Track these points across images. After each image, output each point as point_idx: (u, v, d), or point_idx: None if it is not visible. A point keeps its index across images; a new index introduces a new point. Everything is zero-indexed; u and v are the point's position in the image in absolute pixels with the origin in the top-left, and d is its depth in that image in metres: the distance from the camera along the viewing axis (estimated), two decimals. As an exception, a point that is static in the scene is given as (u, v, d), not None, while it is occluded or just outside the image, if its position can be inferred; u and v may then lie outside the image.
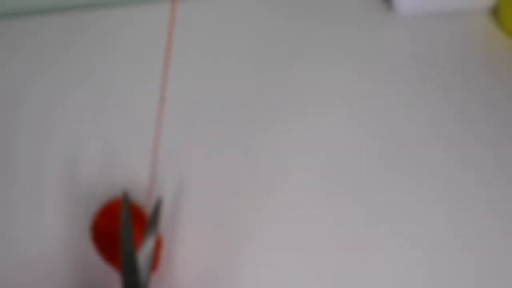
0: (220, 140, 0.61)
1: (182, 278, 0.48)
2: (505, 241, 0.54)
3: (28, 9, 0.79)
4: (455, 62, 0.72)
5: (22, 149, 0.59)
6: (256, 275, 0.49)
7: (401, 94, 0.68)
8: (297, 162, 0.60)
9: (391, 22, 0.77)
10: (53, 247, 0.50)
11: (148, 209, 0.52)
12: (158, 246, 0.43)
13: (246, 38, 0.74)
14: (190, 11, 0.78)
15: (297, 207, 0.56)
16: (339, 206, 0.56)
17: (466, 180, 0.60)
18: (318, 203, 0.56)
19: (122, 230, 0.38)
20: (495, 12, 0.79)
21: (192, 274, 0.48)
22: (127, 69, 0.69)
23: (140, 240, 0.42)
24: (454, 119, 0.66)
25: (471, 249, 0.53)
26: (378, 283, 0.50)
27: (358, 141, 0.62)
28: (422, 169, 0.61)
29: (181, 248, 0.51)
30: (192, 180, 0.56)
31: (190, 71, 0.69)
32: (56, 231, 0.51)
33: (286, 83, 0.69)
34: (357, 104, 0.67)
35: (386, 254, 0.53)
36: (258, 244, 0.52)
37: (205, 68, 0.69)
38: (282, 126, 0.64)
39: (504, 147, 0.63)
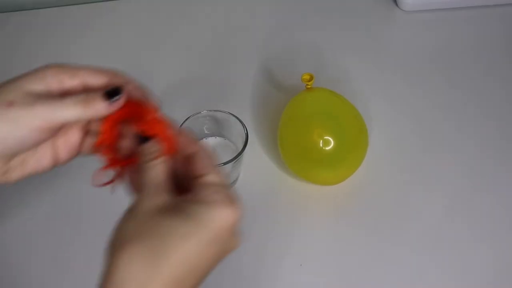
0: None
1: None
2: None
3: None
4: (467, 55, 0.73)
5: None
6: None
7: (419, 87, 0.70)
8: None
9: (399, 17, 0.78)
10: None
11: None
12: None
13: (261, 30, 0.76)
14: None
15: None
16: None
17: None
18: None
19: None
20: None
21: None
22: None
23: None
24: (467, 110, 0.68)
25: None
26: None
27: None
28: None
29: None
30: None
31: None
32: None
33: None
34: (370, 98, 0.68)
35: None
36: None
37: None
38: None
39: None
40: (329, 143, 0.55)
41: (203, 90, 0.69)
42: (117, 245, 0.32)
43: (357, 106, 0.60)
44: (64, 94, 0.38)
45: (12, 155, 0.37)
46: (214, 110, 0.60)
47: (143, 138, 0.36)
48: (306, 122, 0.57)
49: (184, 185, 0.35)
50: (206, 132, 0.62)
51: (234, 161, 0.56)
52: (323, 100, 0.59)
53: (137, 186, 0.36)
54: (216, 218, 0.32)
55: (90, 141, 0.41)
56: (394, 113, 0.67)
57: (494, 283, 0.55)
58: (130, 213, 0.33)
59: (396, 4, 0.78)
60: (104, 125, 0.38)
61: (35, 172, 0.40)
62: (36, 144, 0.38)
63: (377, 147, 0.63)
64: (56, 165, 0.40)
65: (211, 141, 0.62)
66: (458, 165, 0.63)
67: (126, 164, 0.38)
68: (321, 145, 0.55)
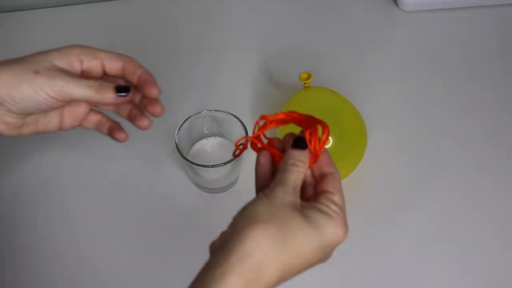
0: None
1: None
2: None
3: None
4: (466, 55, 0.74)
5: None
6: None
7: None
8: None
9: (399, 17, 0.78)
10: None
11: None
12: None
13: (260, 30, 0.76)
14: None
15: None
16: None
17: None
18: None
19: None
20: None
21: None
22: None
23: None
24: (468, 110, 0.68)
25: None
26: None
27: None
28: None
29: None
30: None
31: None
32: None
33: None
34: (369, 98, 0.68)
35: None
36: None
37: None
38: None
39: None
40: (328, 142, 0.55)
41: (203, 90, 0.70)
42: (247, 221, 0.36)
43: (356, 106, 0.60)
44: (84, 72, 0.47)
45: (29, 113, 0.46)
46: (214, 110, 0.60)
47: (298, 142, 0.41)
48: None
49: (305, 191, 0.41)
50: (206, 132, 0.62)
51: (234, 161, 0.56)
52: (322, 99, 0.59)
53: (263, 168, 0.42)
54: (333, 233, 0.37)
55: (93, 119, 0.50)
56: (394, 112, 0.67)
57: (499, 281, 0.55)
58: (267, 199, 0.38)
59: (396, 4, 0.78)
60: (281, 115, 0.43)
61: (43, 131, 0.48)
62: (49, 109, 0.46)
63: (376, 146, 0.63)
64: (61, 129, 0.49)
65: (211, 141, 0.62)
66: (457, 165, 0.63)
67: (264, 148, 0.42)
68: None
